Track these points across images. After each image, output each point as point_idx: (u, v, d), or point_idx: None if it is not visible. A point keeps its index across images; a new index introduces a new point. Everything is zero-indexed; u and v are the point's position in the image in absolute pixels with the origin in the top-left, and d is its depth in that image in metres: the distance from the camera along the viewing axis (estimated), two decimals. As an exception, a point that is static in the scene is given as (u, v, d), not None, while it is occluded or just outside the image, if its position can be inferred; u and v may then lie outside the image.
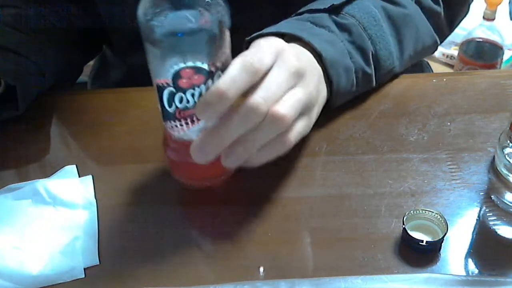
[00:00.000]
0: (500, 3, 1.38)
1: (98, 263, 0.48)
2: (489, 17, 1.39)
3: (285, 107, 0.46)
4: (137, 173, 0.55)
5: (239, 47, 0.51)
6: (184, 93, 0.45)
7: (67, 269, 0.47)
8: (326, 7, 0.58)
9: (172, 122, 0.47)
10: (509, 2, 1.52)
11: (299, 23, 0.58)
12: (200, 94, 0.45)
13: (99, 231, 0.50)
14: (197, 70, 0.44)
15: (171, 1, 0.42)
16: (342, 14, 0.58)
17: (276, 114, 0.45)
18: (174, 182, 0.53)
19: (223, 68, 0.45)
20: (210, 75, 0.44)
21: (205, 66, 0.44)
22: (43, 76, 0.62)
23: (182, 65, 0.43)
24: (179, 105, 0.45)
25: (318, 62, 0.54)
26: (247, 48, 0.52)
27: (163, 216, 0.51)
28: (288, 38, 0.56)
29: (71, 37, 0.69)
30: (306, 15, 0.59)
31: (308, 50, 0.54)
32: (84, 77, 0.87)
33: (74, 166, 0.56)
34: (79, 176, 0.55)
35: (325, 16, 0.58)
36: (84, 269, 0.47)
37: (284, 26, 0.57)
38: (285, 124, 0.46)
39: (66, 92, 0.69)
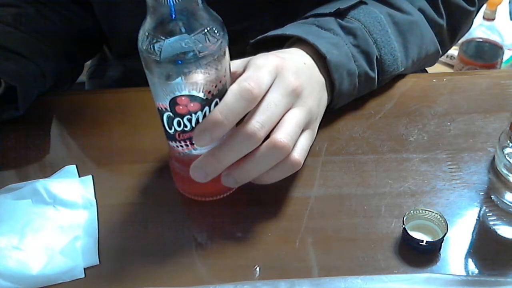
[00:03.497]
0: (500, 3, 1.38)
1: (98, 263, 0.48)
2: (489, 17, 1.39)
3: (285, 134, 0.46)
4: (137, 173, 0.55)
5: (242, 53, 0.51)
6: (182, 118, 0.45)
7: (67, 269, 0.47)
8: (332, 11, 0.58)
9: (174, 142, 0.48)
10: (509, 2, 1.52)
11: (305, 26, 0.58)
12: (198, 120, 0.45)
13: (99, 231, 0.50)
14: (193, 98, 0.44)
15: (168, 30, 0.42)
16: (348, 18, 0.58)
17: (277, 144, 0.46)
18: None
19: (221, 94, 0.45)
20: (207, 102, 0.45)
21: (200, 94, 0.44)
22: (44, 76, 0.62)
23: (177, 93, 0.44)
24: (178, 129, 0.46)
25: (321, 65, 0.54)
26: (250, 52, 0.52)
27: (163, 216, 0.51)
28: (293, 40, 0.57)
29: (72, 37, 0.69)
30: (311, 19, 0.59)
31: (313, 53, 0.54)
32: (83, 77, 0.87)
33: (74, 166, 0.56)
34: (79, 176, 0.55)
35: (330, 19, 0.58)
36: (84, 269, 0.47)
37: (289, 28, 0.57)
38: (285, 152, 0.46)
39: (66, 92, 0.69)
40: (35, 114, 0.62)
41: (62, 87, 0.69)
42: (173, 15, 0.41)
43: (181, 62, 0.42)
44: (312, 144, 0.52)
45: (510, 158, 0.51)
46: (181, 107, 0.44)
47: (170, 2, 0.41)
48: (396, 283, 0.44)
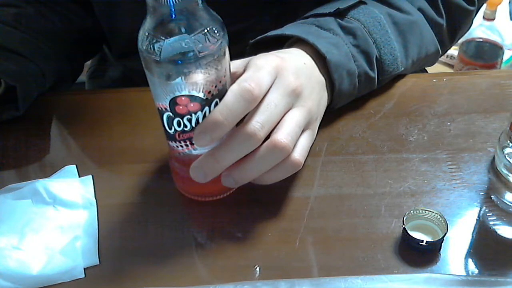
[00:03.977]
0: (500, 3, 1.38)
1: (98, 263, 0.48)
2: (489, 17, 1.39)
3: (285, 134, 0.46)
4: (137, 173, 0.55)
5: (242, 53, 0.51)
6: (182, 118, 0.45)
7: (67, 269, 0.47)
8: (332, 11, 0.58)
9: (174, 142, 0.48)
10: (509, 2, 1.52)
11: (304, 26, 0.58)
12: (197, 120, 0.45)
13: (99, 231, 0.50)
14: (192, 98, 0.44)
15: (168, 30, 0.42)
16: (347, 18, 0.58)
17: (277, 144, 0.46)
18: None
19: (221, 94, 0.45)
20: (207, 102, 0.45)
21: (200, 94, 0.44)
22: (44, 76, 0.62)
23: (177, 93, 0.44)
24: (177, 129, 0.46)
25: (321, 66, 0.54)
26: (250, 52, 0.52)
27: (163, 216, 0.51)
28: (293, 40, 0.57)
29: (72, 37, 0.69)
30: (311, 19, 0.59)
31: (312, 53, 0.54)
32: (83, 77, 0.87)
33: (74, 166, 0.56)
34: (79, 176, 0.55)
35: (330, 19, 0.58)
36: (84, 269, 0.47)
37: (289, 29, 0.57)
38: (285, 152, 0.46)
39: (66, 92, 0.69)
40: (35, 114, 0.62)
41: (62, 87, 0.69)
42: (173, 15, 0.41)
43: (181, 62, 0.42)
44: (312, 144, 0.52)
45: (510, 158, 0.51)
46: (181, 107, 0.44)
47: (170, 2, 0.41)
48: (396, 283, 0.44)
